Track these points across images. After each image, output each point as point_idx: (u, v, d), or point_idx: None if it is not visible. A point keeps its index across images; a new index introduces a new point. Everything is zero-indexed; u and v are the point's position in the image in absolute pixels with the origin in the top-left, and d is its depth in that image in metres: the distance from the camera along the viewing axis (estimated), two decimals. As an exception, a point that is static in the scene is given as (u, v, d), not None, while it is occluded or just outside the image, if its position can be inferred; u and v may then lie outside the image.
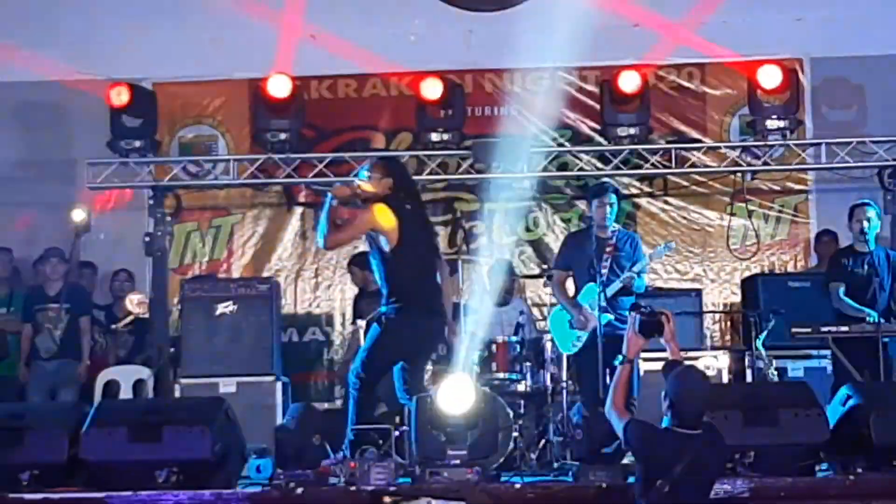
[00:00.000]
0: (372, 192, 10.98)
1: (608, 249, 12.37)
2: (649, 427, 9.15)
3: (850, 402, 11.22)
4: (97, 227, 15.48)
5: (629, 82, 14.38)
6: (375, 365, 11.35)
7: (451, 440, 11.30)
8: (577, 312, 12.25)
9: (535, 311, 14.49)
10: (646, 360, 11.66)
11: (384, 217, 10.78)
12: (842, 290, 13.26)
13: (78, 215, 14.47)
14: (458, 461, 11.13)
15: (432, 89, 14.61)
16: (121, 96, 14.35)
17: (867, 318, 12.90)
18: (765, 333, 13.34)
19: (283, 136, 15.01)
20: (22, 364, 14.51)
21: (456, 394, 11.27)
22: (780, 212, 16.35)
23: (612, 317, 11.99)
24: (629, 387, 9.60)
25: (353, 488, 10.71)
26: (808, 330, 13.29)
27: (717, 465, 9.44)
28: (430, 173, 15.68)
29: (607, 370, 10.06)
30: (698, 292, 15.12)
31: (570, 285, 12.62)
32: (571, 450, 11.82)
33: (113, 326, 14.99)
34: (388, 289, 11.15)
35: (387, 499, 2.73)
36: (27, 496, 10.56)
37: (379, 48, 15.44)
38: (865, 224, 13.25)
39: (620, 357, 9.49)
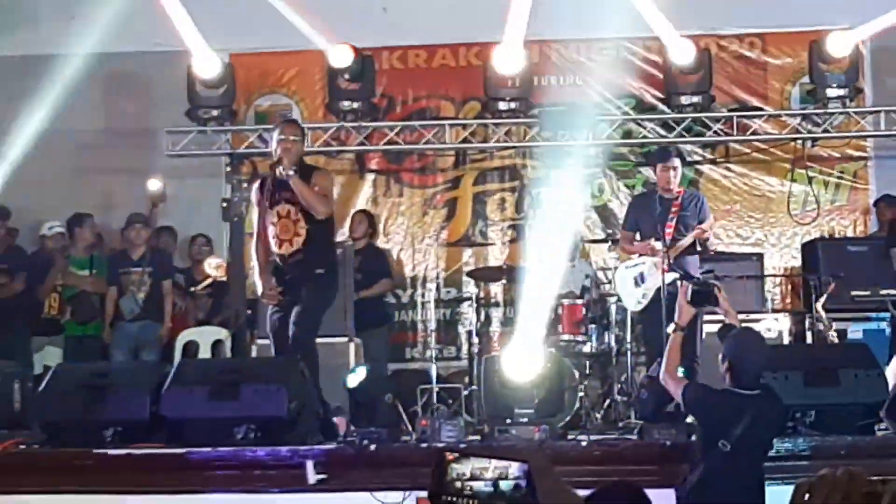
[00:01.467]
0: None
1: (673, 210, 12.28)
2: (708, 389, 9.18)
3: (910, 364, 11.24)
4: (176, 195, 15.53)
5: (688, 53, 14.36)
6: None
7: (518, 399, 11.34)
8: (647, 249, 12.15)
9: (601, 274, 14.44)
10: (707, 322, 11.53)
11: None
12: (903, 254, 13.23)
13: (154, 185, 14.55)
14: (525, 419, 11.17)
15: (502, 59, 14.59)
16: (204, 66, 14.43)
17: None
18: (825, 296, 13.30)
19: (354, 104, 15.06)
20: (106, 325, 14.56)
21: (523, 357, 11.29)
22: (839, 178, 16.28)
23: (677, 275, 11.95)
24: (682, 353, 9.59)
25: (424, 445, 10.75)
26: (868, 293, 13.27)
27: (776, 424, 9.43)
28: (497, 141, 15.65)
29: (679, 308, 9.97)
30: (760, 256, 15.07)
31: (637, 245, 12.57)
32: (635, 409, 11.84)
33: (192, 289, 15.05)
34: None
35: (449, 455, 2.66)
36: (111, 452, 10.63)
37: (447, 20, 15.39)
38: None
39: (673, 325, 9.56)
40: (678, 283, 10.64)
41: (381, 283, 14.62)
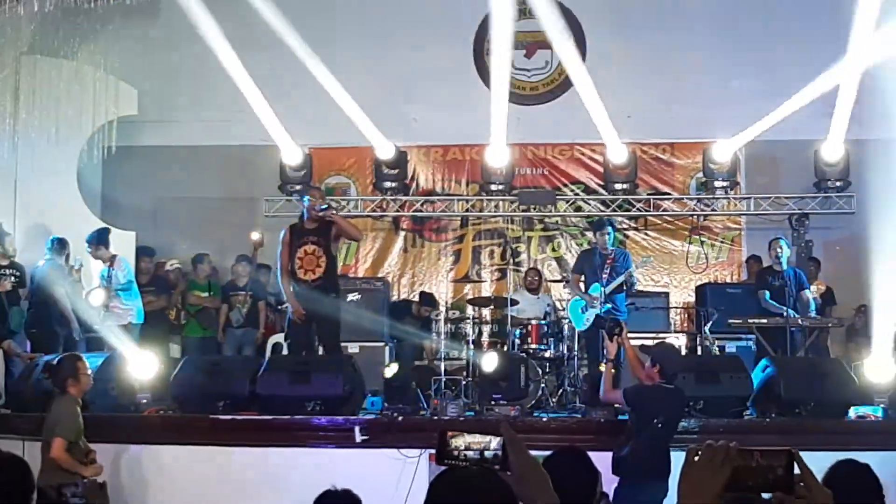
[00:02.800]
0: None
1: (608, 262, 12.40)
2: (643, 386, 9.25)
3: (767, 370, 11.23)
4: (270, 242, 15.53)
5: (619, 151, 14.46)
6: None
7: (499, 388, 11.38)
8: (588, 298, 12.30)
9: (557, 304, 14.44)
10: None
11: None
12: (767, 295, 13.21)
13: (255, 235, 14.64)
14: (504, 402, 11.19)
15: (494, 156, 14.66)
16: (290, 156, 14.53)
17: (783, 314, 12.87)
18: (710, 323, 13.32)
19: (392, 184, 15.12)
20: (220, 331, 14.62)
21: (491, 360, 11.42)
22: (721, 242, 16.25)
23: (609, 306, 12.09)
24: (616, 375, 9.74)
25: (435, 418, 10.78)
26: (740, 321, 13.25)
27: (682, 409, 9.50)
28: (489, 211, 15.77)
29: (603, 342, 10.14)
30: (666, 294, 15.06)
31: (581, 286, 12.60)
32: (579, 396, 11.88)
33: (279, 307, 15.04)
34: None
35: (450, 432, 2.63)
36: (221, 417, 10.65)
37: (457, 129, 15.40)
38: (780, 252, 13.22)
39: (605, 360, 9.87)
40: (613, 327, 10.68)
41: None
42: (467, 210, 16.06)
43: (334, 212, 11.96)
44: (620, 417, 9.77)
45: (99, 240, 13.13)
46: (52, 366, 10.30)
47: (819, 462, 2.78)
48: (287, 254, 11.33)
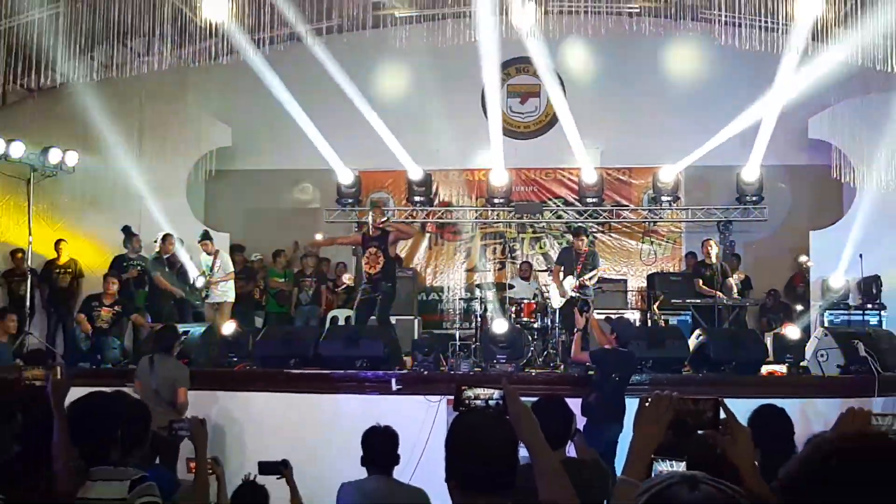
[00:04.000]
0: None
1: (581, 259, 12.37)
2: (605, 349, 9.29)
3: (700, 338, 11.19)
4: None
5: (591, 173, 14.41)
6: None
7: (500, 350, 11.33)
8: (562, 289, 12.30)
9: (543, 288, 14.38)
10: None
11: None
12: (700, 281, 13.15)
13: (319, 237, 14.66)
14: (504, 360, 11.15)
15: (496, 177, 14.65)
16: (344, 177, 14.54)
17: (712, 296, 12.83)
18: (657, 302, 13.26)
19: (421, 198, 15.11)
20: (293, 307, 14.66)
21: (501, 325, 11.36)
22: (666, 242, 16.17)
23: (579, 294, 12.05)
24: (584, 341, 9.73)
25: (452, 372, 10.77)
26: (680, 301, 13.21)
27: (634, 366, 9.51)
28: (493, 218, 15.73)
29: (576, 318, 10.11)
30: (625, 281, 15.07)
31: (561, 275, 12.54)
32: (558, 357, 11.82)
33: (336, 289, 15.04)
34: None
35: (463, 386, 2.63)
36: (293, 371, 10.63)
37: (469, 156, 15.38)
38: (710, 249, 13.15)
39: (576, 329, 10.11)
40: (576, 305, 10.73)
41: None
42: (476, 218, 16.00)
43: (390, 221, 12.64)
44: (588, 373, 9.74)
45: (206, 236, 13.43)
46: (156, 333, 10.30)
47: (739, 407, 2.76)
48: (349, 240, 12.31)
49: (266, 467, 5.52)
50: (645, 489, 1.77)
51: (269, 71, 13.65)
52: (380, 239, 11.66)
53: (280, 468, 5.52)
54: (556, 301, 12.53)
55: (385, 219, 12.26)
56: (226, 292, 13.38)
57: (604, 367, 9.28)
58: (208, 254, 13.29)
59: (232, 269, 13.47)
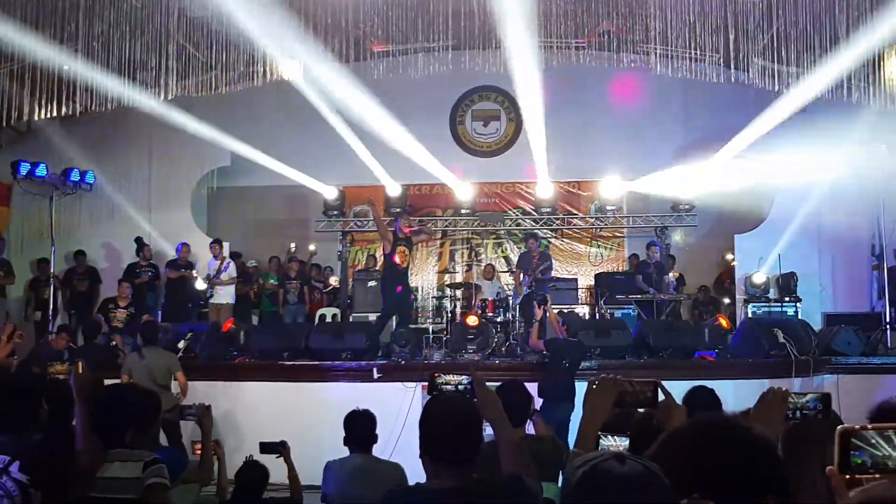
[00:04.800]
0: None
1: (535, 259, 12.45)
2: (556, 339, 9.40)
3: (641, 328, 11.26)
4: (319, 249, 15.54)
5: (546, 187, 14.44)
6: None
7: (468, 341, 11.34)
8: (519, 287, 12.35)
9: (504, 287, 14.38)
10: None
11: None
12: (641, 279, 13.24)
13: (311, 246, 14.80)
14: (472, 350, 11.16)
15: (463, 191, 14.65)
16: (329, 192, 14.47)
17: (651, 292, 12.92)
18: (604, 298, 13.33)
19: (397, 209, 15.07)
20: (280, 306, 14.55)
21: (473, 320, 11.37)
22: (611, 247, 16.28)
23: (533, 289, 12.11)
24: (541, 331, 9.78)
25: (426, 362, 10.76)
26: (624, 296, 13.28)
27: (582, 353, 9.55)
28: (460, 226, 15.62)
29: (534, 310, 10.14)
30: (576, 279, 15.02)
31: (521, 276, 12.58)
32: (518, 346, 11.84)
33: (323, 290, 15.02)
34: None
35: (436, 373, 2.64)
36: (286, 362, 10.64)
37: (439, 172, 15.32)
38: (650, 252, 13.27)
39: (534, 320, 10.15)
40: (535, 299, 10.79)
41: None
42: (446, 226, 15.94)
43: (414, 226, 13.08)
44: (544, 360, 9.77)
45: (217, 241, 13.70)
46: (140, 328, 10.20)
47: (675, 388, 2.79)
48: (383, 229, 12.05)
49: (266, 447, 5.51)
50: (582, 462, 1.81)
51: (263, 99, 13.70)
52: (408, 240, 11.95)
53: (279, 448, 5.51)
54: (516, 298, 12.58)
55: (414, 227, 12.80)
56: (229, 295, 13.36)
57: (555, 354, 9.36)
58: (215, 257, 13.31)
59: (236, 274, 13.49)
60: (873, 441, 1.45)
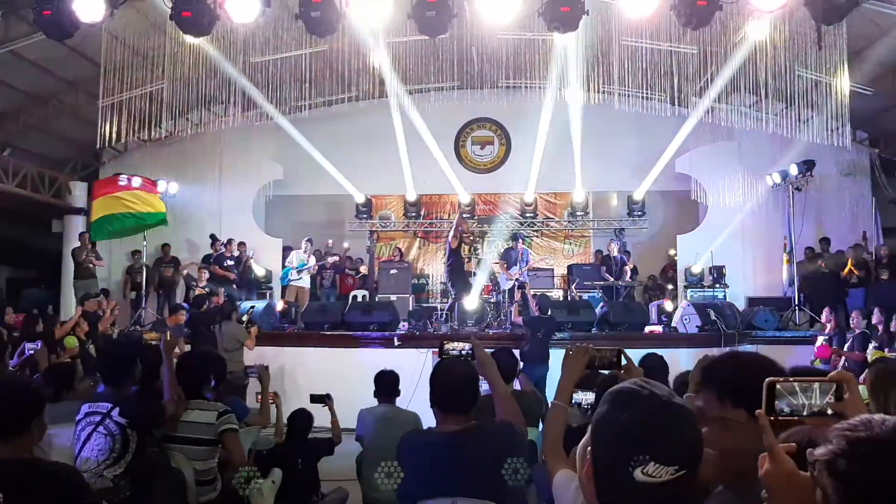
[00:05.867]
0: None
1: (521, 255, 12.35)
2: (533, 317, 9.33)
3: (604, 308, 11.22)
4: (353, 245, 15.52)
5: (530, 197, 14.38)
6: None
7: (469, 317, 11.32)
8: (508, 275, 12.24)
9: (496, 275, 14.32)
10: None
11: None
12: (604, 269, 13.21)
13: (346, 243, 14.82)
14: (471, 323, 11.14)
15: (464, 198, 14.59)
16: (359, 198, 14.43)
17: (611, 279, 12.88)
18: (575, 283, 13.29)
19: (413, 213, 15.07)
20: (318, 289, 14.32)
21: (470, 302, 11.32)
22: (580, 244, 16.22)
23: (521, 278, 12.02)
24: (521, 310, 9.81)
25: (436, 332, 10.75)
26: (590, 283, 13.24)
27: (554, 327, 9.51)
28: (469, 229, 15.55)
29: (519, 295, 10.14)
30: (552, 269, 14.92)
31: (505, 266, 12.51)
32: (507, 321, 11.80)
33: (356, 276, 14.96)
34: None
35: (445, 341, 2.65)
36: (326, 332, 10.63)
37: (446, 184, 15.19)
38: (614, 247, 13.24)
39: (516, 302, 10.03)
40: (520, 286, 10.74)
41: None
42: (451, 227, 15.84)
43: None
44: (522, 332, 9.75)
45: (309, 241, 13.46)
46: (219, 306, 10.22)
47: (632, 354, 2.78)
48: (457, 230, 11.76)
49: (315, 398, 5.51)
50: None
51: (309, 126, 13.70)
52: (465, 238, 12.31)
53: (325, 399, 5.50)
54: (505, 284, 12.49)
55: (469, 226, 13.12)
56: (306, 280, 13.25)
57: (532, 327, 9.34)
58: (304, 252, 13.23)
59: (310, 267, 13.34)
60: (794, 391, 1.46)
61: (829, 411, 1.45)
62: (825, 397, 1.46)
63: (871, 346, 9.05)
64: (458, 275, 11.70)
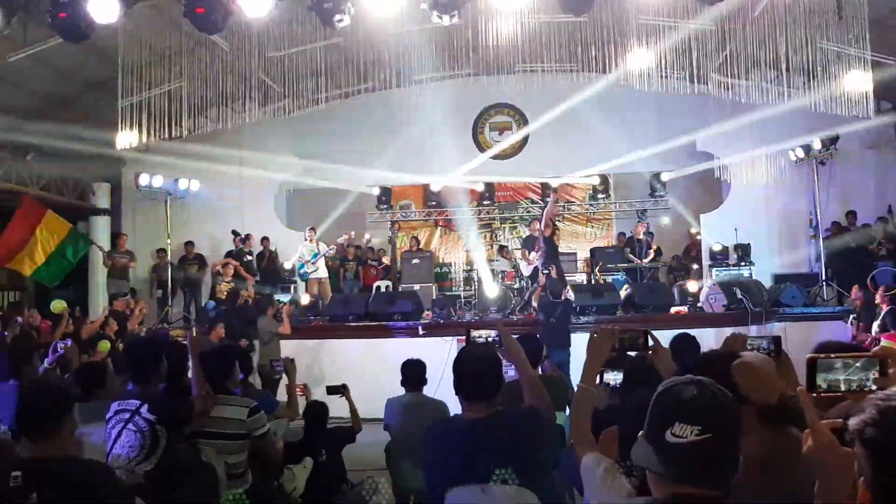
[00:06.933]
0: None
1: (539, 242, 12.21)
2: (547, 300, 9.25)
3: (628, 290, 11.16)
4: (370, 236, 15.52)
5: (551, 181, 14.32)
6: None
7: (492, 304, 11.31)
8: (528, 260, 12.09)
9: (518, 262, 14.25)
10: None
11: None
12: (628, 251, 13.13)
13: (367, 234, 14.76)
14: (495, 310, 11.14)
15: (483, 187, 14.55)
16: (377, 190, 14.42)
17: (636, 261, 12.80)
18: (597, 266, 13.22)
19: (433, 203, 15.05)
20: (341, 281, 14.17)
21: (490, 289, 11.30)
22: (603, 226, 16.13)
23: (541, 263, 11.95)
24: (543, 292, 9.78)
25: (460, 320, 10.75)
26: (614, 265, 13.17)
27: (571, 312, 9.47)
28: (483, 214, 15.55)
29: (539, 279, 10.09)
30: (575, 253, 14.86)
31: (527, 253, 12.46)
32: (531, 307, 11.75)
33: (379, 266, 14.92)
34: None
35: (472, 329, 2.67)
36: (350, 323, 10.66)
37: (466, 171, 15.14)
38: (640, 229, 13.16)
39: (536, 285, 10.23)
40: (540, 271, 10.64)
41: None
42: (472, 215, 15.82)
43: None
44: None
45: (311, 229, 13.34)
46: (255, 300, 10.34)
47: (659, 335, 2.75)
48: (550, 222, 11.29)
49: (331, 389, 5.52)
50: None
51: (326, 119, 13.72)
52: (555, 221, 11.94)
53: (341, 390, 5.51)
54: (526, 270, 12.36)
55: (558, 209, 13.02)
56: (323, 271, 13.14)
57: (545, 312, 9.29)
58: (310, 241, 13.16)
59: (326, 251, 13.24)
60: (836, 366, 1.44)
61: (874, 387, 1.43)
62: (868, 373, 1.44)
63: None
64: (554, 259, 11.08)
